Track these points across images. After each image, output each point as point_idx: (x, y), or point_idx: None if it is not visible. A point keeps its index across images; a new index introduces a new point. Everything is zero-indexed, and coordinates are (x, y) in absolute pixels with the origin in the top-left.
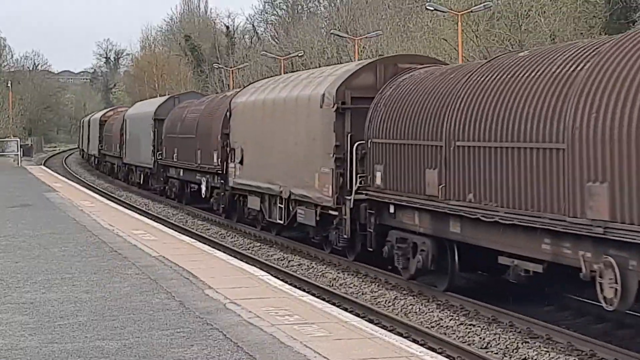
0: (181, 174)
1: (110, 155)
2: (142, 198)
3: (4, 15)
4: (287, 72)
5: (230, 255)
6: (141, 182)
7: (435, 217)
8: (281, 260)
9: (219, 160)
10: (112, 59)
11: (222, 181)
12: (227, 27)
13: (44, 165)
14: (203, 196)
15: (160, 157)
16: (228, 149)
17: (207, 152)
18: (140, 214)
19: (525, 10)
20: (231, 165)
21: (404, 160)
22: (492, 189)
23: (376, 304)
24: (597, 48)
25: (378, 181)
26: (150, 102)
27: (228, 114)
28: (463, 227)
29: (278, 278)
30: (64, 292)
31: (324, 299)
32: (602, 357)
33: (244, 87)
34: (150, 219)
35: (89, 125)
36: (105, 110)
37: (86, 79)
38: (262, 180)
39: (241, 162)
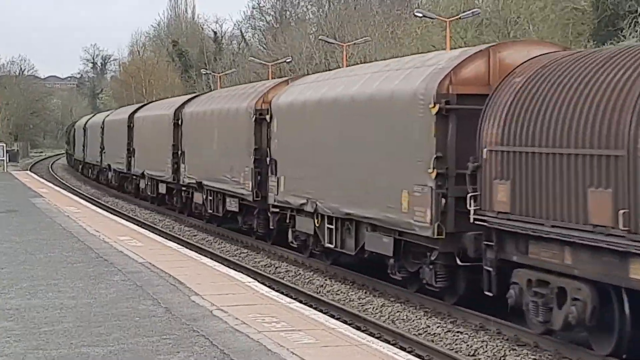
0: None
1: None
2: (128, 204)
3: None
4: (274, 78)
5: (217, 261)
6: None
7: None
8: (268, 267)
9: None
10: (99, 64)
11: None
12: (215, 33)
13: (30, 170)
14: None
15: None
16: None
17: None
18: (126, 220)
19: (514, 17)
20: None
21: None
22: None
23: (363, 311)
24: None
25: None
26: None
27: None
28: None
29: (265, 285)
30: (49, 299)
31: (311, 306)
32: None
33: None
34: (137, 225)
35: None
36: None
37: (73, 84)
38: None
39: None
